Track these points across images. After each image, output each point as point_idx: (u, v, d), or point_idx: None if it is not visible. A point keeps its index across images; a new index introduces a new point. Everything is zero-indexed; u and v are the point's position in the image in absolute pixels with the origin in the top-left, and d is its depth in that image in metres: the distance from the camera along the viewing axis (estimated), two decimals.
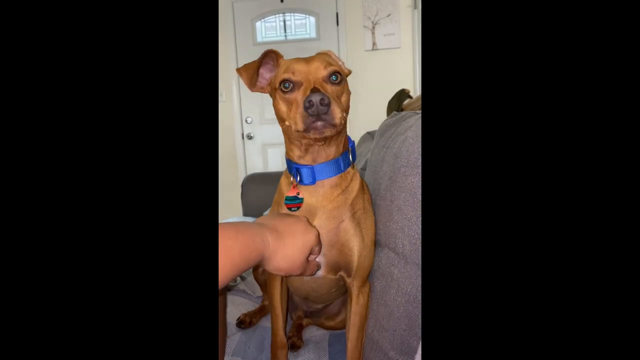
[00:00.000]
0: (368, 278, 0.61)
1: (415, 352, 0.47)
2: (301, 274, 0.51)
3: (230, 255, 0.38)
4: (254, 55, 2.53)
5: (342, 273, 0.59)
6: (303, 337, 0.79)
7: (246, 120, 2.73)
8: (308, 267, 0.52)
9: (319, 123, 0.47)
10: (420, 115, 0.59)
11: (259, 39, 2.67)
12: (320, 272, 0.59)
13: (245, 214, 1.81)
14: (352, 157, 0.60)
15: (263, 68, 0.60)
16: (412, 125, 0.58)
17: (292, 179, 0.58)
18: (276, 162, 2.78)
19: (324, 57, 0.57)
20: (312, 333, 0.80)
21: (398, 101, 1.74)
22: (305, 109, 0.47)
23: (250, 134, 2.75)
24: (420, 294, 0.49)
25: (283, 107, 0.54)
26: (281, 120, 0.55)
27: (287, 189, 0.60)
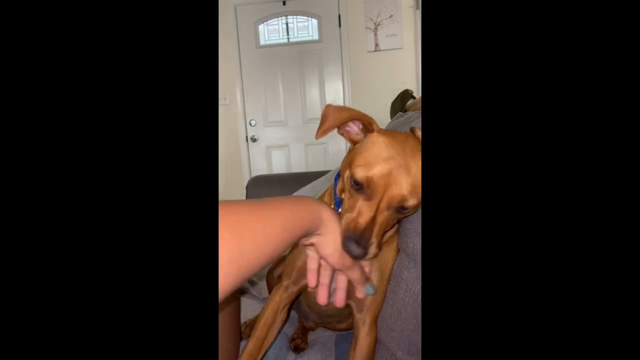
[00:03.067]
0: None
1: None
2: (345, 270, 0.47)
3: (267, 232, 0.35)
4: (258, 58, 2.55)
5: (351, 305, 0.56)
6: (308, 338, 0.79)
7: (250, 123, 2.74)
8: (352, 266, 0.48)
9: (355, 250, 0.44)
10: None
11: (262, 42, 2.69)
12: (332, 299, 0.57)
13: None
14: None
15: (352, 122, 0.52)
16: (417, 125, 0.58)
17: (333, 206, 0.56)
18: (280, 164, 2.78)
19: (413, 168, 0.45)
20: (319, 334, 0.80)
21: (401, 102, 1.74)
22: (344, 247, 0.44)
23: (254, 137, 2.76)
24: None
25: (342, 182, 0.50)
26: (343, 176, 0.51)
27: (328, 201, 0.59)
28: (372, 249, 0.44)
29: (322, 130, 0.48)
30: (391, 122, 0.84)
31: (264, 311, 0.59)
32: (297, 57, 2.67)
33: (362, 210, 0.45)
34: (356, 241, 0.43)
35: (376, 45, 2.57)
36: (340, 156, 2.97)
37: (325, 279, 0.50)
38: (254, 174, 2.70)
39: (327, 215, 0.44)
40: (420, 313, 0.50)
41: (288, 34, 2.68)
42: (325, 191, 0.63)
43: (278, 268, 0.85)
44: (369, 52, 2.59)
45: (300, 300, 0.72)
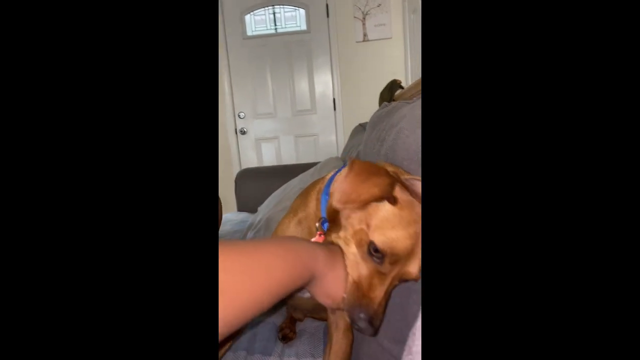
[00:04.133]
0: None
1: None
2: (335, 308, 0.45)
3: (273, 273, 0.34)
4: (245, 49, 2.50)
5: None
6: (297, 329, 0.79)
7: (239, 115, 2.71)
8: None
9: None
10: (412, 104, 0.59)
11: (249, 33, 2.64)
12: (308, 294, 0.57)
13: (240, 209, 1.80)
14: None
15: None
16: (406, 115, 0.57)
17: (318, 225, 0.52)
18: (270, 157, 2.76)
19: None
20: (308, 324, 0.80)
21: (390, 92, 1.74)
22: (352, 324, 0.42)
23: (243, 129, 2.73)
24: (416, 284, 0.49)
25: (352, 254, 0.44)
26: (333, 221, 0.47)
27: (313, 207, 0.56)
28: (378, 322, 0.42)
29: (343, 203, 0.42)
30: (377, 112, 0.84)
31: None
32: (285, 48, 2.63)
33: (375, 284, 0.42)
34: (369, 321, 0.41)
35: (365, 35, 2.55)
36: (331, 148, 2.95)
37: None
38: (244, 167, 2.68)
39: (322, 269, 0.41)
40: (407, 302, 0.50)
41: (275, 25, 2.63)
42: (309, 198, 0.58)
43: None
44: (357, 42, 2.57)
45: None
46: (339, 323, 0.54)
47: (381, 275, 0.42)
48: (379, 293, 0.42)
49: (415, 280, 0.43)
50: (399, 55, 2.53)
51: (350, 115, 2.60)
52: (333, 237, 0.46)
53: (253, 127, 2.73)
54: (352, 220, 0.44)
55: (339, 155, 1.85)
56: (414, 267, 0.42)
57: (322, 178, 0.59)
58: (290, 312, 0.80)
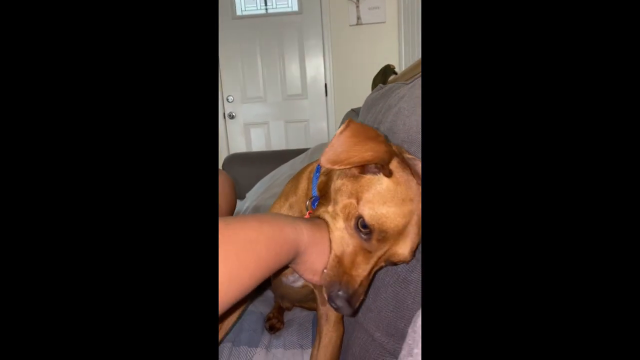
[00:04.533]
0: None
1: (402, 335, 0.46)
2: (320, 284, 0.43)
3: (256, 250, 0.32)
4: (234, 30, 2.42)
5: (317, 294, 0.52)
6: (285, 318, 0.77)
7: (227, 99, 2.63)
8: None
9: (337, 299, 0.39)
10: (411, 84, 0.55)
11: (239, 12, 2.54)
12: (300, 283, 0.56)
13: None
14: None
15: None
16: (404, 95, 0.53)
17: (308, 204, 0.50)
18: (260, 142, 2.71)
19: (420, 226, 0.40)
20: (296, 314, 0.78)
21: (383, 77, 1.70)
22: (329, 300, 0.39)
23: (232, 113, 2.65)
24: (410, 275, 0.47)
25: (338, 228, 0.41)
26: (324, 197, 0.43)
27: (304, 188, 0.53)
28: (358, 303, 0.39)
29: (331, 160, 0.37)
30: (371, 94, 0.80)
31: None
32: (276, 29, 2.55)
33: (359, 262, 0.39)
34: (348, 300, 0.38)
35: (358, 18, 2.48)
36: (321, 134, 2.92)
37: None
38: (233, 152, 2.62)
39: (307, 244, 0.38)
40: (401, 294, 0.48)
41: (266, 5, 2.53)
42: (300, 180, 0.56)
43: None
44: (350, 25, 2.50)
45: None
46: (330, 315, 0.52)
47: (367, 253, 0.39)
48: (362, 271, 0.39)
49: (405, 262, 0.40)
50: (392, 40, 2.48)
51: (342, 101, 2.56)
52: (321, 211, 0.43)
53: (242, 112, 2.66)
54: (342, 194, 0.41)
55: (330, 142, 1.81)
56: (404, 247, 0.39)
57: (314, 161, 0.55)
58: (278, 301, 0.78)
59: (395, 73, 1.70)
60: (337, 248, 0.40)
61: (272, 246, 0.34)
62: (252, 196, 1.30)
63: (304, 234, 0.38)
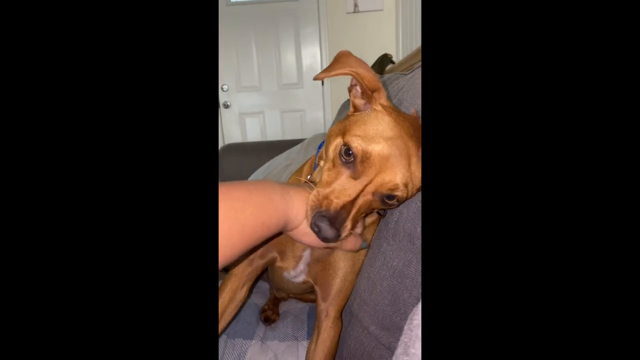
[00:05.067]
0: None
1: (398, 329, 0.45)
2: (317, 246, 0.43)
3: (240, 219, 0.31)
4: (228, 16, 2.36)
5: (316, 291, 0.52)
6: (280, 310, 0.76)
7: (222, 88, 2.59)
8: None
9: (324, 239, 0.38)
10: (410, 74, 0.54)
11: None
12: (301, 279, 0.55)
13: None
14: None
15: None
16: (404, 87, 0.52)
17: (309, 177, 0.50)
18: (255, 132, 2.68)
19: (412, 160, 0.39)
20: (291, 305, 0.78)
21: (380, 67, 1.67)
22: (312, 225, 0.38)
23: (226, 103, 2.62)
24: (407, 269, 0.46)
25: (328, 165, 0.41)
26: (323, 157, 0.44)
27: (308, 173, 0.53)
28: (346, 231, 0.38)
29: (325, 74, 0.41)
30: None
31: (222, 287, 0.54)
32: (271, 17, 2.49)
33: (346, 188, 0.38)
34: (330, 221, 0.37)
35: (355, 5, 2.43)
36: (317, 124, 2.89)
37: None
38: (228, 142, 2.59)
39: (297, 208, 0.38)
40: (397, 288, 0.47)
41: None
42: (306, 162, 0.57)
43: None
44: (347, 13, 2.45)
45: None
46: (330, 311, 0.52)
47: (352, 182, 0.39)
48: (347, 195, 0.38)
49: (394, 193, 0.39)
50: (390, 28, 2.44)
51: (339, 90, 2.53)
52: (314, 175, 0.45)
53: (237, 101, 2.62)
54: (332, 137, 0.43)
55: (326, 132, 1.80)
56: (390, 175, 0.38)
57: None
58: (274, 292, 0.78)
59: (393, 62, 1.67)
60: (321, 179, 0.41)
61: (260, 215, 0.33)
62: None
63: (293, 199, 0.37)
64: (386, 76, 0.72)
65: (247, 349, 0.63)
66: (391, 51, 2.11)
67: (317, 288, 0.53)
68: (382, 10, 2.43)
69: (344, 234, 0.38)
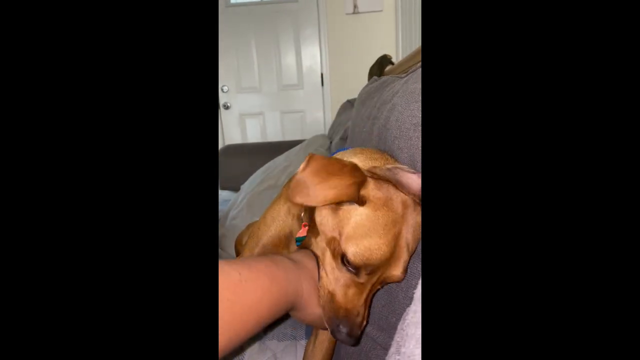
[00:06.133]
0: None
1: (394, 329, 0.46)
2: (320, 327, 0.45)
3: (259, 311, 0.33)
4: (228, 17, 2.36)
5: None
6: None
7: (222, 89, 2.60)
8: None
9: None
10: (405, 78, 0.54)
11: (233, 0, 2.48)
12: None
13: (222, 187, 1.75)
14: None
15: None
16: (398, 91, 0.53)
17: (304, 215, 0.50)
18: (255, 133, 2.69)
19: (410, 245, 0.39)
20: None
21: (380, 68, 1.67)
22: (331, 326, 0.40)
23: (226, 104, 2.62)
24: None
25: (327, 264, 0.41)
26: (322, 238, 0.42)
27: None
28: (362, 329, 0.40)
29: (299, 201, 0.37)
30: (365, 86, 0.79)
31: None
32: (271, 18, 2.50)
33: (353, 295, 0.40)
34: (348, 334, 0.39)
35: (355, 7, 2.44)
36: (318, 125, 2.89)
37: None
38: (228, 143, 2.60)
39: (305, 289, 0.40)
40: (392, 288, 0.48)
41: None
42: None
43: (246, 234, 0.82)
44: (347, 14, 2.46)
45: None
46: None
47: (359, 284, 0.40)
48: (357, 302, 0.40)
49: (399, 281, 0.41)
50: (390, 29, 2.44)
51: (339, 91, 2.53)
52: (312, 243, 0.44)
53: (237, 102, 2.63)
54: (325, 227, 0.40)
55: (326, 133, 1.81)
56: (396, 270, 0.39)
57: None
58: None
59: (392, 63, 1.68)
60: (328, 285, 0.41)
61: (274, 306, 0.35)
62: (247, 188, 1.30)
63: (304, 293, 0.39)
64: (383, 78, 0.73)
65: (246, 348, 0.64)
66: (390, 52, 2.12)
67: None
68: (381, 11, 2.43)
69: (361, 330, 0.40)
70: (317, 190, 0.36)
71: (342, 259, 0.39)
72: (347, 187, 0.36)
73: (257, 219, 0.80)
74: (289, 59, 2.56)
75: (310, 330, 0.66)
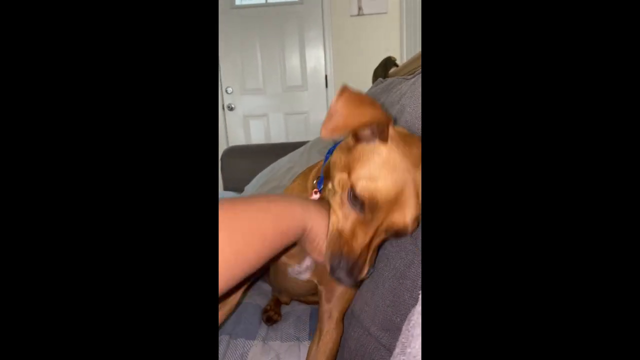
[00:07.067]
0: None
1: (398, 329, 0.46)
2: (322, 263, 0.43)
3: (262, 228, 0.32)
4: (233, 19, 2.37)
5: (320, 292, 0.53)
6: (282, 311, 0.77)
7: (226, 91, 2.61)
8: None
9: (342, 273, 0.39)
10: (412, 79, 0.54)
11: (238, 2, 2.50)
12: (306, 276, 0.55)
13: (226, 188, 1.76)
14: None
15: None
16: (406, 92, 0.53)
17: (314, 183, 0.51)
18: (259, 135, 2.69)
19: (420, 193, 0.38)
20: (293, 307, 0.79)
21: (384, 70, 1.67)
22: (331, 272, 0.39)
23: (230, 105, 2.63)
24: (408, 269, 0.47)
25: (337, 203, 0.41)
26: (328, 178, 0.44)
27: (300, 192, 0.54)
28: (361, 276, 0.39)
29: (330, 130, 0.36)
30: (371, 88, 0.79)
31: None
32: (275, 20, 2.51)
33: (357, 234, 0.39)
34: (348, 271, 0.38)
35: (359, 8, 2.44)
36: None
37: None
38: (232, 144, 2.60)
39: (314, 221, 0.39)
40: (398, 289, 0.48)
41: None
42: (314, 167, 0.57)
43: None
44: (352, 16, 2.46)
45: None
46: (333, 312, 0.52)
47: (364, 224, 0.39)
48: (361, 241, 0.39)
49: (404, 232, 0.39)
50: (394, 31, 2.44)
51: None
52: (325, 190, 0.45)
53: (241, 103, 2.64)
54: (337, 168, 0.41)
55: None
56: (400, 216, 0.38)
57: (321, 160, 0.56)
58: (276, 294, 0.78)
59: (397, 65, 1.67)
60: (335, 221, 0.41)
61: (279, 225, 0.34)
62: (251, 190, 1.30)
63: (311, 212, 0.38)
64: (388, 80, 0.73)
65: (249, 349, 0.64)
66: (395, 54, 2.12)
67: (321, 288, 0.53)
68: (386, 13, 2.43)
69: (361, 277, 0.39)
70: (353, 115, 0.36)
71: (349, 194, 0.39)
72: (380, 115, 0.37)
73: None
74: (293, 61, 2.57)
75: (314, 331, 0.66)
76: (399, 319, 0.47)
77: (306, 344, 0.66)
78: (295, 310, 0.78)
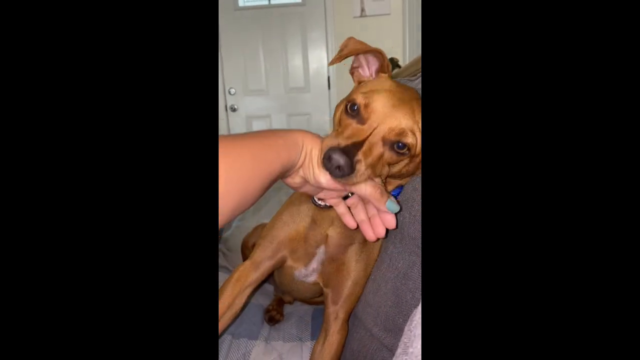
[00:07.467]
0: None
1: (400, 330, 0.46)
2: (354, 189, 0.40)
3: (245, 177, 0.32)
4: (236, 21, 2.37)
5: (327, 294, 0.53)
6: (284, 311, 0.77)
7: (229, 92, 2.62)
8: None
9: (338, 172, 0.37)
10: (417, 80, 0.54)
11: (241, 3, 2.51)
12: (312, 278, 0.56)
13: None
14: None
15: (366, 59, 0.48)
16: None
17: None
18: None
19: (415, 111, 0.40)
20: (296, 307, 0.79)
21: None
22: (324, 159, 0.37)
23: (233, 106, 2.64)
24: (411, 270, 0.47)
25: (336, 116, 0.45)
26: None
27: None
28: (361, 167, 0.37)
29: (339, 56, 0.46)
30: None
31: (222, 291, 0.53)
32: (278, 21, 2.52)
33: (353, 132, 0.39)
34: (342, 150, 0.36)
35: (362, 10, 2.45)
36: (324, 128, 2.88)
37: (361, 214, 0.43)
38: None
39: (303, 137, 0.39)
40: (401, 289, 0.48)
41: None
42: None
43: (253, 236, 0.82)
44: (354, 17, 2.46)
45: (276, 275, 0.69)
46: (340, 314, 0.53)
47: (361, 126, 0.40)
48: (356, 137, 0.39)
49: (402, 138, 0.39)
50: (397, 32, 2.44)
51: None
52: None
53: (244, 104, 2.65)
54: (338, 108, 0.45)
55: None
56: (395, 121, 0.39)
57: None
58: (278, 294, 0.78)
59: (399, 66, 1.68)
60: (333, 127, 0.45)
61: (262, 167, 0.34)
62: None
63: (297, 140, 0.39)
64: None
65: (252, 349, 0.64)
66: (398, 55, 2.12)
67: (327, 291, 0.53)
68: (389, 14, 2.43)
69: (359, 168, 0.37)
70: (360, 46, 0.47)
71: (347, 106, 0.42)
72: (381, 51, 0.46)
73: (264, 221, 0.80)
74: (296, 62, 2.58)
75: (317, 331, 0.66)
76: (401, 320, 0.47)
77: (308, 344, 0.66)
78: (297, 311, 0.78)
